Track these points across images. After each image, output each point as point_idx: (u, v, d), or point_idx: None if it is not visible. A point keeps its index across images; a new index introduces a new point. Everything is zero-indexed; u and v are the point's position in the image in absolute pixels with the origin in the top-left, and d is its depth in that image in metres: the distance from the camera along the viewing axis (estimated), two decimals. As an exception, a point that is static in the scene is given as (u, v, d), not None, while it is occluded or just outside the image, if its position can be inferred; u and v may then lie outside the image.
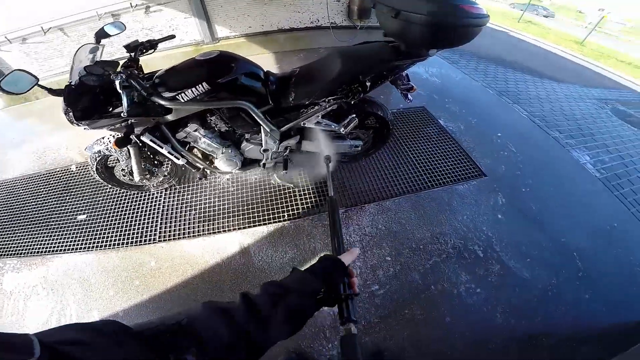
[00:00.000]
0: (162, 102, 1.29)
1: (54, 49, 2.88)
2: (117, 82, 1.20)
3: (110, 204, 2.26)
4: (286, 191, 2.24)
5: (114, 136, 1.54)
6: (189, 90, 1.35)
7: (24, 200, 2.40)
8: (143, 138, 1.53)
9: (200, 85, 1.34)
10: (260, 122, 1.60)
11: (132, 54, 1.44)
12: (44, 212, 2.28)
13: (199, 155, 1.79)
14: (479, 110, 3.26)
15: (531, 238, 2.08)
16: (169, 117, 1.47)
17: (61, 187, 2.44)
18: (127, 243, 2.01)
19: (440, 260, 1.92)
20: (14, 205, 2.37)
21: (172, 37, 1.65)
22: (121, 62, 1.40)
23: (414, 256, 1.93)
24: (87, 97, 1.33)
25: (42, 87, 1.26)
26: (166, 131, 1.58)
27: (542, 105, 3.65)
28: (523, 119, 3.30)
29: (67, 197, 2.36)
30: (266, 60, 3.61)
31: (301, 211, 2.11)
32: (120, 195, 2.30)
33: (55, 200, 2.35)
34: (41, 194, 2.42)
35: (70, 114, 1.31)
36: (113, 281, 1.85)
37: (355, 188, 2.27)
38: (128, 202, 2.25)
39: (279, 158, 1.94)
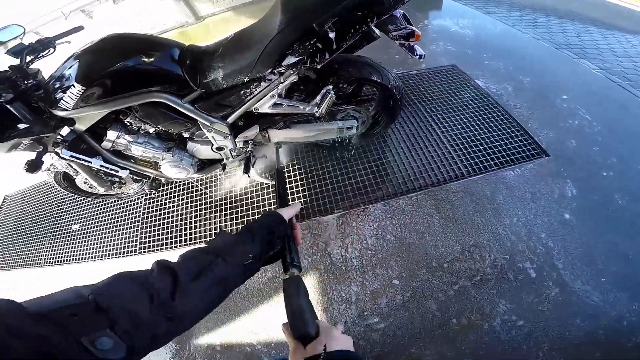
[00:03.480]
0: (27, 116, 1.08)
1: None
2: None
3: (98, 213, 2.12)
4: (271, 190, 1.81)
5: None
6: (66, 96, 1.07)
7: (28, 213, 2.40)
8: (63, 155, 1.27)
9: (72, 87, 1.05)
10: (192, 115, 1.19)
11: (19, 60, 1.16)
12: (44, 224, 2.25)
13: (143, 163, 1.45)
14: (533, 67, 2.38)
15: (611, 247, 1.41)
16: (80, 127, 1.21)
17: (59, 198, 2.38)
18: (107, 255, 1.87)
19: (471, 285, 1.37)
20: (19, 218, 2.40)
21: (79, 28, 1.34)
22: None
23: (432, 279, 1.40)
24: None
25: None
26: (91, 141, 1.30)
27: (619, 60, 2.60)
28: (596, 77, 2.34)
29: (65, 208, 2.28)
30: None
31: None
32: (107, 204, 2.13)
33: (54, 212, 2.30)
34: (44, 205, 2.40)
35: None
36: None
37: (356, 182, 1.73)
38: (112, 211, 2.08)
39: (241, 155, 1.50)
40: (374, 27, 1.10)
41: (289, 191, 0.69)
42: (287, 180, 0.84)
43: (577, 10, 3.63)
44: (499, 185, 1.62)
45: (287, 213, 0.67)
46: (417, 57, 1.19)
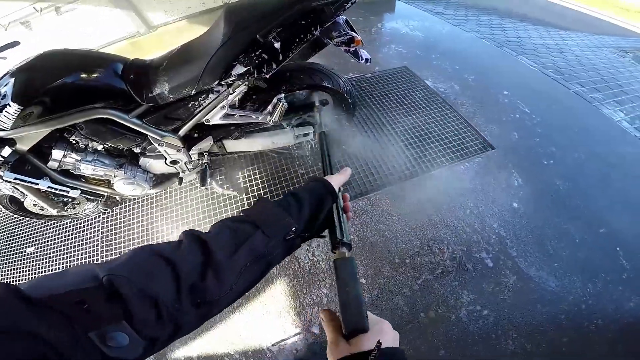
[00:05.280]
0: None
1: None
2: None
3: (54, 234, 1.94)
4: (234, 201, 1.78)
5: None
6: (2, 116, 1.01)
7: None
8: (5, 177, 1.19)
9: (8, 106, 0.99)
10: (141, 130, 1.16)
11: None
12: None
13: (95, 182, 1.38)
14: (477, 66, 2.57)
15: (559, 231, 1.53)
16: (22, 147, 1.14)
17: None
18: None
19: (434, 278, 1.43)
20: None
21: (15, 43, 1.26)
22: None
23: (397, 275, 1.45)
24: None
25: None
26: (36, 162, 1.23)
27: (552, 55, 2.89)
28: (533, 72, 2.59)
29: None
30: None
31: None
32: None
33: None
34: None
35: None
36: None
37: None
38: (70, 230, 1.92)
39: (198, 167, 1.47)
40: (319, 35, 1.14)
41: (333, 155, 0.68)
42: (331, 144, 0.81)
43: (515, 9, 3.97)
44: (450, 180, 1.72)
45: (336, 180, 0.56)
46: (363, 61, 1.24)
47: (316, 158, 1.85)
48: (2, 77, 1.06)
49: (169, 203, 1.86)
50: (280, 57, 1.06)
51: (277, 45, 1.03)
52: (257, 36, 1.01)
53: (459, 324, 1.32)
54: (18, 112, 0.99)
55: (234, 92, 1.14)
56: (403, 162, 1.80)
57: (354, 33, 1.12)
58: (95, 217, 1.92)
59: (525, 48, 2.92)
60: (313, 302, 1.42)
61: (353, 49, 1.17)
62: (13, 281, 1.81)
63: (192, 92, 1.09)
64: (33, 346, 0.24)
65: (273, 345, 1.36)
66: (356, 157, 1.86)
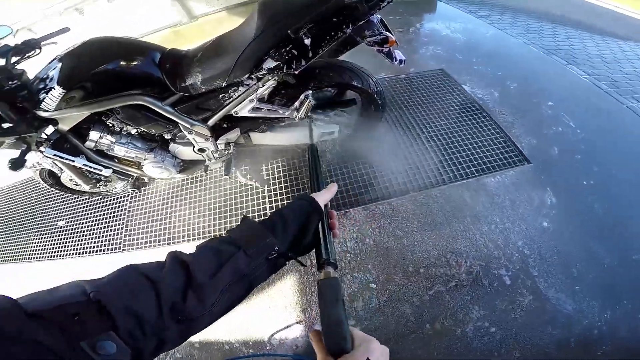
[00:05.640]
0: (11, 116, 1.09)
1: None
2: None
3: (84, 210, 2.12)
4: (256, 192, 1.82)
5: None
6: (48, 98, 1.09)
7: (15, 209, 2.40)
8: (47, 154, 1.29)
9: (53, 89, 1.06)
10: (173, 118, 1.21)
11: (4, 60, 1.17)
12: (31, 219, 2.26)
13: (126, 162, 1.47)
14: (521, 73, 2.38)
15: (588, 254, 1.43)
16: (63, 127, 1.22)
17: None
18: (92, 251, 1.88)
19: (446, 290, 1.38)
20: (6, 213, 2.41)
21: (65, 30, 1.34)
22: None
23: (408, 283, 1.41)
24: None
25: None
26: (75, 141, 1.32)
27: (608, 66, 2.59)
28: (583, 83, 2.34)
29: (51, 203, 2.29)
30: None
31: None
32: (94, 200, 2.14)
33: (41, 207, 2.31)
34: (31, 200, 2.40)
35: None
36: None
37: (338, 185, 1.73)
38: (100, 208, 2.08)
39: (224, 157, 1.52)
40: (351, 33, 1.12)
41: (321, 171, 0.69)
42: (320, 158, 0.83)
43: (570, 15, 3.64)
44: (479, 192, 1.64)
45: (323, 198, 0.57)
46: (397, 62, 1.21)
47: (337, 156, 1.85)
48: (51, 62, 1.15)
49: (193, 189, 1.94)
50: (310, 54, 1.05)
51: (307, 41, 1.02)
52: (289, 31, 1.01)
53: (463, 338, 1.28)
54: (62, 95, 1.07)
55: (263, 86, 1.16)
56: (431, 168, 1.74)
57: (388, 33, 1.09)
58: (123, 196, 2.05)
59: (577, 57, 2.67)
60: (320, 300, 1.43)
61: (386, 49, 1.13)
62: (45, 253, 2.01)
63: (223, 84, 1.11)
64: (37, 351, 0.26)
65: (274, 338, 1.38)
66: (380, 158, 1.82)
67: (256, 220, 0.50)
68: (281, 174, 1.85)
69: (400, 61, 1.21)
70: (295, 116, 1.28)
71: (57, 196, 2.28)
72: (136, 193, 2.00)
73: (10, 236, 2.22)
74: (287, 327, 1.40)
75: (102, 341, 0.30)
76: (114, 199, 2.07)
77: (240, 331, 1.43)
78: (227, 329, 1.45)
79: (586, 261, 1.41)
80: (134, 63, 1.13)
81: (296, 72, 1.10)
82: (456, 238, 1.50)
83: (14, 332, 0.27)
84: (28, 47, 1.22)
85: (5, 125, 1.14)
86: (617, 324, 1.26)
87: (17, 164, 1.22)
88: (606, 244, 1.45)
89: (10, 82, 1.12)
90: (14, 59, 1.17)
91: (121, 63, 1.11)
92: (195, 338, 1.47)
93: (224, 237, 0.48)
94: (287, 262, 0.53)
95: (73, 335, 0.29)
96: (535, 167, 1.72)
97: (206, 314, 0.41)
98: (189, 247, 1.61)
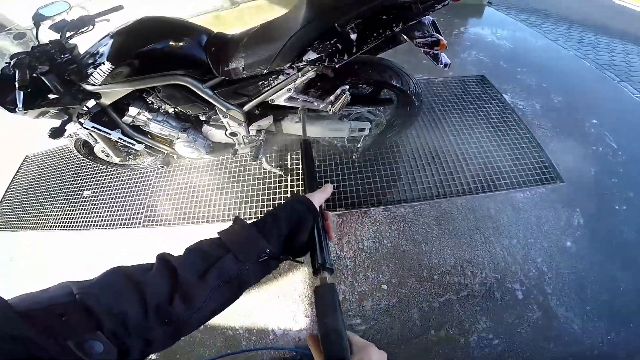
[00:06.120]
0: (58, 88, 1.13)
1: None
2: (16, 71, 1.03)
3: (110, 181, 2.21)
4: (278, 180, 1.84)
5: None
6: (96, 73, 1.12)
7: (45, 175, 2.53)
8: (85, 125, 1.34)
9: (103, 64, 1.09)
10: (210, 100, 1.23)
11: (59, 35, 1.21)
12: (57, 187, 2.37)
13: (159, 139, 1.52)
14: (567, 86, 2.24)
15: (606, 277, 1.40)
16: (105, 101, 1.27)
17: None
18: (113, 224, 1.95)
19: (457, 299, 1.39)
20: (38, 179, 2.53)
21: (119, 8, 1.36)
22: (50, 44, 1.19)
23: (420, 288, 1.42)
24: (9, 89, 1.16)
25: None
26: (113, 115, 1.37)
27: None
28: (634, 102, 2.18)
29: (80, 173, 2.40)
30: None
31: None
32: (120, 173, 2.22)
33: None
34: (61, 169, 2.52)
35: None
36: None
37: (362, 183, 1.74)
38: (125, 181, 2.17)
39: (253, 142, 1.54)
40: (398, 32, 1.08)
41: (315, 168, 0.69)
42: (314, 155, 0.84)
43: (631, 30, 3.37)
44: (505, 206, 1.60)
45: (318, 198, 0.56)
46: (442, 65, 1.16)
47: (363, 154, 1.83)
48: (102, 38, 1.18)
49: (218, 171, 1.98)
50: (354, 50, 1.03)
51: (353, 36, 1.00)
52: (336, 24, 0.99)
53: (465, 348, 1.29)
54: (110, 71, 1.10)
55: (302, 76, 1.15)
56: (459, 176, 1.70)
57: (439, 36, 1.05)
58: (148, 172, 2.11)
59: (633, 74, 2.47)
60: (329, 296, 1.44)
61: (435, 52, 1.10)
62: (70, 220, 2.09)
63: (264, 71, 1.12)
64: (28, 349, 0.27)
65: (279, 328, 1.41)
66: (407, 160, 1.80)
67: (248, 221, 0.50)
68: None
69: (445, 64, 1.17)
70: (329, 109, 1.27)
71: (86, 166, 2.37)
72: (164, 169, 2.07)
73: (35, 203, 2.31)
74: (293, 319, 1.43)
75: (88, 340, 0.31)
76: (139, 174, 2.14)
77: (246, 318, 1.47)
78: (232, 314, 1.48)
79: (603, 284, 1.38)
80: (181, 44, 1.14)
81: (336, 66, 1.09)
82: (475, 248, 1.49)
83: (6, 330, 0.27)
84: (82, 23, 1.26)
85: (52, 96, 1.19)
86: (618, 345, 1.25)
87: (57, 132, 1.26)
88: (627, 271, 1.41)
89: (62, 56, 1.16)
90: (68, 34, 1.21)
91: (169, 43, 1.13)
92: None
93: (214, 239, 0.48)
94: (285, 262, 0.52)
95: (60, 335, 0.30)
96: (568, 187, 1.65)
97: (194, 316, 0.40)
98: (206, 229, 1.65)
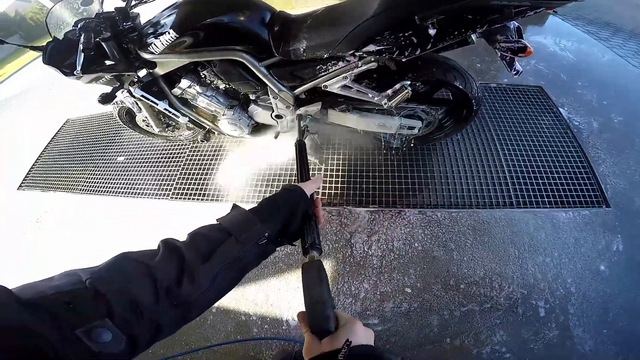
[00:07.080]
0: (116, 55, 1.14)
1: None
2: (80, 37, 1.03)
3: (145, 151, 2.23)
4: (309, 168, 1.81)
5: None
6: (158, 41, 1.10)
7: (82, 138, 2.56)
8: (135, 93, 1.33)
9: (166, 33, 1.07)
10: (264, 79, 1.19)
11: (125, 3, 1.19)
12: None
13: (203, 114, 1.50)
14: (631, 106, 2.08)
15: (632, 304, 1.37)
16: (159, 71, 1.25)
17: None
18: (141, 193, 1.99)
19: (479, 310, 1.37)
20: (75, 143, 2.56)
21: None
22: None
23: (445, 296, 1.41)
24: (70, 53, 1.17)
25: (21, 45, 1.24)
26: (163, 86, 1.36)
27: None
28: None
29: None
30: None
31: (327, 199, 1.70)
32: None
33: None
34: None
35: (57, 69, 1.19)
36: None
37: (399, 182, 1.70)
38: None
39: (296, 127, 1.50)
40: (479, 34, 1.01)
41: (309, 165, 0.72)
42: (307, 153, 0.87)
43: None
44: (545, 223, 1.54)
45: (309, 187, 0.61)
46: (514, 72, 1.09)
47: (404, 153, 1.78)
48: (167, 8, 1.14)
49: (250, 152, 1.97)
50: (429, 45, 0.97)
51: (432, 31, 0.93)
52: (415, 17, 0.92)
53: (476, 358, 1.29)
54: (172, 40, 1.07)
55: (361, 66, 1.10)
56: (502, 188, 1.64)
57: (526, 42, 0.97)
58: (183, 146, 2.12)
59: None
60: (350, 293, 1.45)
61: (510, 57, 1.02)
62: (100, 185, 2.12)
63: (325, 56, 1.07)
64: (29, 339, 0.27)
65: (293, 319, 1.42)
66: (450, 165, 1.73)
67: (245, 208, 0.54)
68: (340, 157, 1.83)
69: (517, 72, 1.09)
70: (385, 104, 1.21)
71: (124, 134, 2.40)
72: (203, 144, 2.06)
73: (69, 165, 2.36)
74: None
75: (97, 328, 0.30)
76: (174, 147, 2.15)
77: (261, 306, 1.48)
78: (249, 299, 1.50)
79: (626, 309, 1.35)
80: (245, 19, 1.09)
81: (404, 60, 1.03)
82: (507, 262, 1.45)
83: (7, 320, 0.27)
84: None
85: (108, 62, 1.18)
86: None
87: (106, 98, 1.27)
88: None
89: (125, 23, 1.14)
90: (133, 2, 1.19)
91: (234, 17, 1.08)
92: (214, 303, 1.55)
93: (214, 225, 0.50)
94: (282, 247, 0.59)
95: (67, 323, 0.29)
96: (614, 213, 1.57)
97: (201, 298, 0.42)
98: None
